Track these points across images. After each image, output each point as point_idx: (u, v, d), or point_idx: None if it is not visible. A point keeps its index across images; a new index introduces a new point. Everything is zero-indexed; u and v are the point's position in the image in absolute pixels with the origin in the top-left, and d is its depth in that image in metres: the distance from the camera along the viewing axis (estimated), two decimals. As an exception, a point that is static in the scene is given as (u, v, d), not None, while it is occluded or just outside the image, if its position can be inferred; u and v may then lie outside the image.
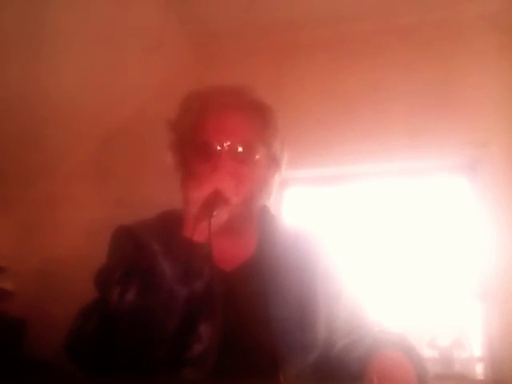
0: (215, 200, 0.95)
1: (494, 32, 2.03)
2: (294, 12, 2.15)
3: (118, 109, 2.22)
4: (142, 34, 2.07)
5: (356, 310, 1.09)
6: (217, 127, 1.07)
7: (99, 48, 1.94)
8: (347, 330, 1.06)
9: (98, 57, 1.97)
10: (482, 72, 2.02)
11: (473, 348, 1.87)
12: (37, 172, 2.14)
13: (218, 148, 1.04)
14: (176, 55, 2.31)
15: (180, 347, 0.93)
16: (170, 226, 1.00)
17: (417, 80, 2.08)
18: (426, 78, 2.08)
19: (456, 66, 2.07)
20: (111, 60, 2.03)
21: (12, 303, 1.98)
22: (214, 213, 0.94)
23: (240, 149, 1.05)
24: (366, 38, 2.18)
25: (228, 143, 1.05)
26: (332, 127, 2.08)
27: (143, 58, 2.16)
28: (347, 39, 2.20)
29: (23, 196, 2.16)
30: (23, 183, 2.11)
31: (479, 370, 1.84)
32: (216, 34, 2.29)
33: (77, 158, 2.28)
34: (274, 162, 1.14)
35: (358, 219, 2.12)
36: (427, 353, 1.84)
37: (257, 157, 1.08)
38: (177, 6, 2.12)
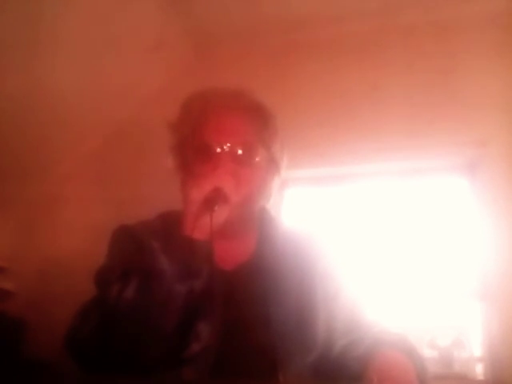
0: (215, 197, 0.95)
1: (494, 32, 2.03)
2: (293, 12, 2.15)
3: (117, 109, 2.22)
4: (142, 34, 2.07)
5: (355, 309, 1.09)
6: (217, 129, 1.08)
7: (99, 48, 1.94)
8: (346, 330, 1.05)
9: (98, 57, 1.97)
10: (482, 72, 2.02)
11: (473, 348, 1.87)
12: (36, 172, 2.14)
13: (218, 150, 1.05)
14: (176, 55, 2.31)
15: (178, 346, 0.93)
16: (170, 225, 1.00)
17: (417, 80, 2.08)
18: (426, 78, 2.07)
19: (456, 66, 2.07)
20: (111, 60, 2.03)
21: (12, 303, 1.98)
22: (215, 208, 0.94)
23: (240, 151, 1.06)
24: (366, 37, 2.18)
25: (228, 145, 1.05)
26: (332, 127, 2.08)
27: (143, 59, 2.16)
28: (347, 39, 2.20)
29: (23, 196, 2.16)
30: (23, 183, 2.11)
31: (479, 370, 1.84)
32: (216, 34, 2.29)
33: (76, 158, 2.28)
34: (273, 164, 1.14)
35: (357, 219, 2.12)
36: (427, 353, 1.84)
37: (257, 159, 1.09)
38: (177, 6, 2.12)
